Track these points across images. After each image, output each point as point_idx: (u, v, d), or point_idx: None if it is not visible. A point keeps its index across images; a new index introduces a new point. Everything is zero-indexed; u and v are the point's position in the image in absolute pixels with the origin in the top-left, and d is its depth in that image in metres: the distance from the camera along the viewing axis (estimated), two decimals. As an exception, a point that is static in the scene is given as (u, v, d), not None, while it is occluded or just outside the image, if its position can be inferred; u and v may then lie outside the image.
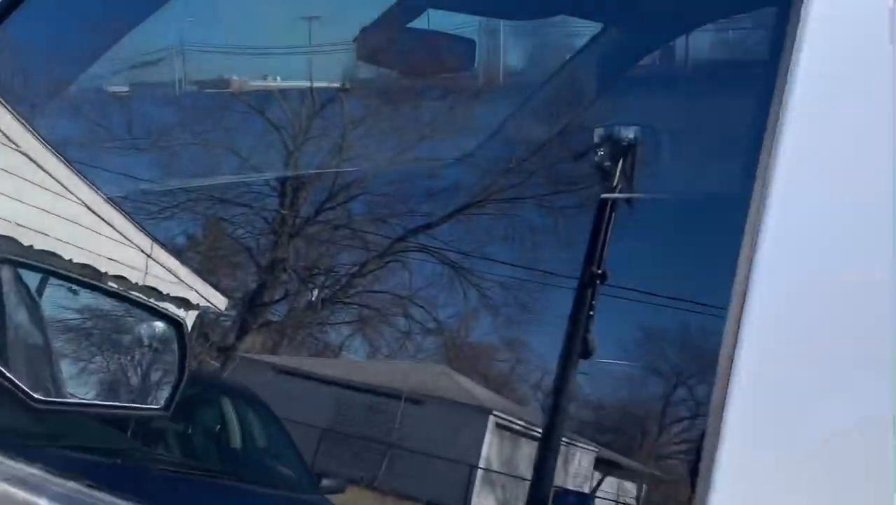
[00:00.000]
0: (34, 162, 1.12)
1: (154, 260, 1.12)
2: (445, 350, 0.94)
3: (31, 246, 0.97)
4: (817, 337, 0.48)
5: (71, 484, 0.69)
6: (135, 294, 0.83)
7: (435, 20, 0.97)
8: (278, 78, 1.09)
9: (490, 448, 1.23)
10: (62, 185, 1.27)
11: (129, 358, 0.88)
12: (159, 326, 0.88)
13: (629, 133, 0.84)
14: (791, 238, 0.49)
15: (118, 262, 1.16)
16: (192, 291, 1.24)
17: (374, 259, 1.06)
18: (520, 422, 0.82)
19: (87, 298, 0.86)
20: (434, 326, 0.96)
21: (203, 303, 1.28)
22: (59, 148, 1.20)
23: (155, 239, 1.15)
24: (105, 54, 1.00)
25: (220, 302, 1.43)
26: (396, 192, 1.05)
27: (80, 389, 0.84)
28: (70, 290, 0.84)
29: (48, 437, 0.94)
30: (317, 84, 1.12)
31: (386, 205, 1.06)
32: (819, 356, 0.48)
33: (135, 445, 1.00)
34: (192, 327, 0.91)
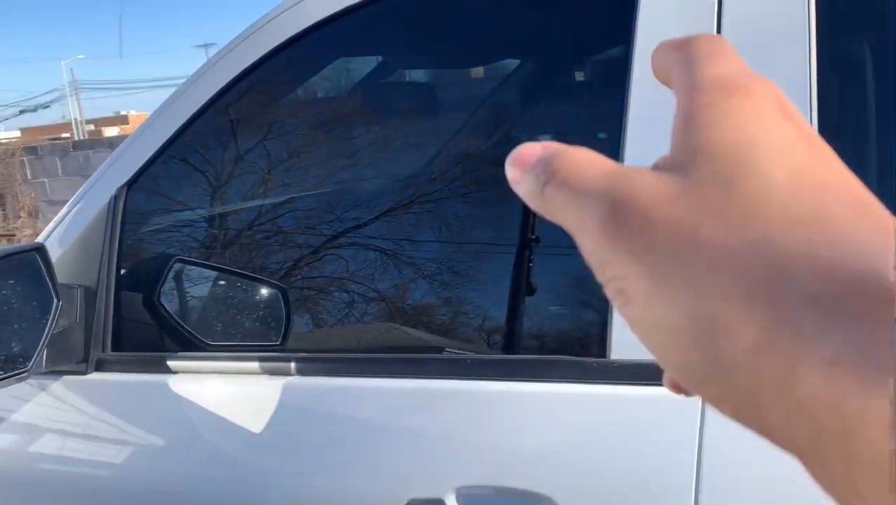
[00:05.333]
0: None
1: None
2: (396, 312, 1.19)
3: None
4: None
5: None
6: (257, 274, 1.35)
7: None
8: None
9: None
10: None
11: (256, 313, 1.39)
12: (271, 291, 1.41)
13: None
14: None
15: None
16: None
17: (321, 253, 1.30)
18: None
19: (226, 278, 1.39)
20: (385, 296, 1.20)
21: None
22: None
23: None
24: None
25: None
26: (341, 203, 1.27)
27: (229, 335, 1.37)
28: (219, 276, 1.37)
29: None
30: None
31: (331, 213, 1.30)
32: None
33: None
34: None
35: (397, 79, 1.42)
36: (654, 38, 0.85)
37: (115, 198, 1.23)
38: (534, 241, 1.05)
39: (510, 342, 0.99)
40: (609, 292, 0.22)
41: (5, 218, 9.90)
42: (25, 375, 1.07)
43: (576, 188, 0.22)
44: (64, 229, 1.27)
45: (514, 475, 0.89)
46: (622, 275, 0.21)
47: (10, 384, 1.06)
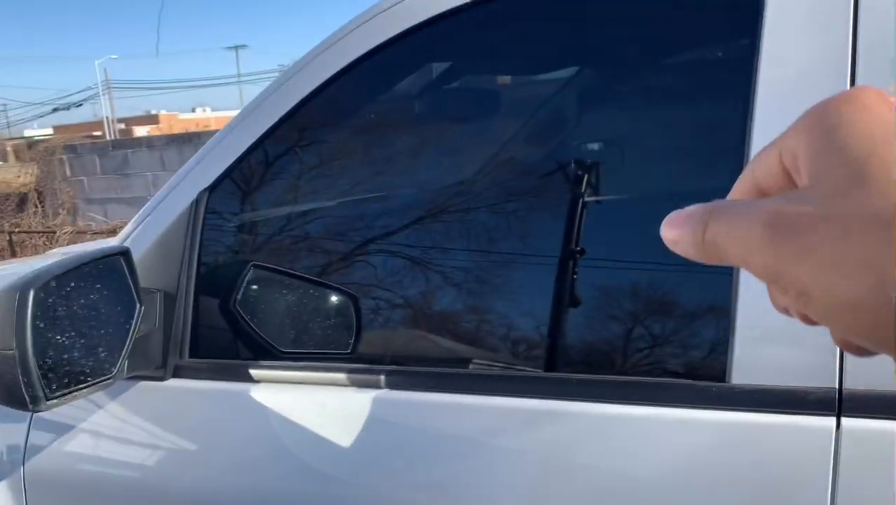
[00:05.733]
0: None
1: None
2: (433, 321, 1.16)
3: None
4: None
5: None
6: (328, 281, 1.33)
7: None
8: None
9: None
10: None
11: (327, 321, 1.37)
12: (343, 299, 1.38)
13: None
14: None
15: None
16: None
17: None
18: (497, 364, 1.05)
19: (299, 284, 1.37)
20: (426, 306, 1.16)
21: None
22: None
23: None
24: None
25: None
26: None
27: (301, 343, 1.35)
28: (292, 282, 1.35)
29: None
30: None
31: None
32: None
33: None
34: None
35: (485, 84, 1.40)
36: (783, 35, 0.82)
37: (197, 201, 1.22)
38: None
39: (619, 363, 0.95)
40: (791, 299, 0.26)
41: (44, 215, 10.05)
42: (110, 381, 1.06)
43: (732, 219, 0.26)
44: (142, 232, 1.26)
45: (618, 502, 0.85)
46: (796, 278, 0.25)
47: (96, 391, 1.04)
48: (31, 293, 0.91)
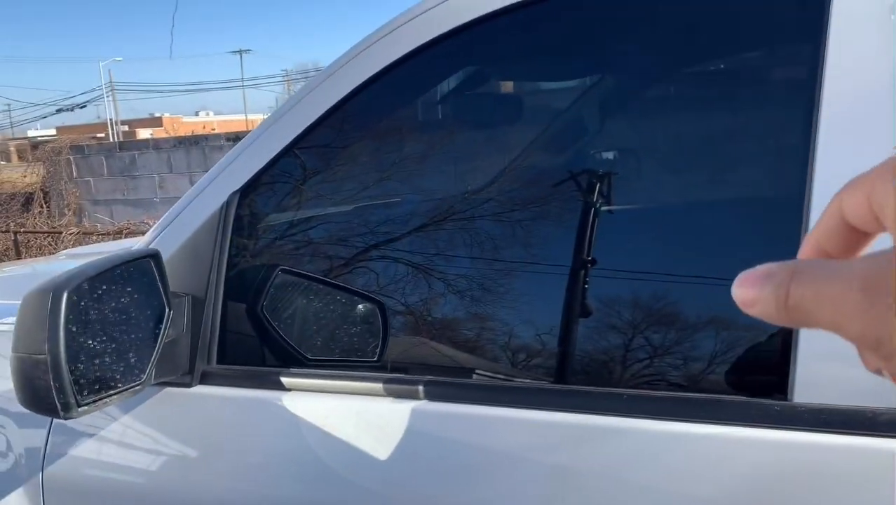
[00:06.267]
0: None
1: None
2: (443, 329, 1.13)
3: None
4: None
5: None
6: (355, 287, 1.30)
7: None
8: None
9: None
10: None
11: (354, 328, 1.34)
12: (369, 306, 1.35)
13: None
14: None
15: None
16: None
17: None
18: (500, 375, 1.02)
19: (326, 290, 1.34)
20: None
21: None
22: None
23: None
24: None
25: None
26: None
27: (328, 351, 1.32)
28: (319, 288, 1.32)
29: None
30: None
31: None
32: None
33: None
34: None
35: (523, 90, 1.37)
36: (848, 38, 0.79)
37: (227, 204, 1.19)
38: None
39: (675, 379, 0.92)
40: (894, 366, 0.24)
41: (50, 216, 10.02)
42: (140, 387, 1.03)
43: (821, 282, 0.25)
44: (170, 234, 1.23)
45: (671, 522, 0.82)
46: None
47: (126, 397, 1.01)
48: (65, 296, 0.88)
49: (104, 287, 0.97)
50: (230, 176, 1.21)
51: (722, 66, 1.09)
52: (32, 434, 1.30)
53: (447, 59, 1.17)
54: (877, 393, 0.74)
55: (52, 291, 0.89)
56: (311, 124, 1.16)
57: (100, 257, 1.01)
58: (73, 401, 0.89)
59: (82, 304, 0.92)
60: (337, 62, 1.17)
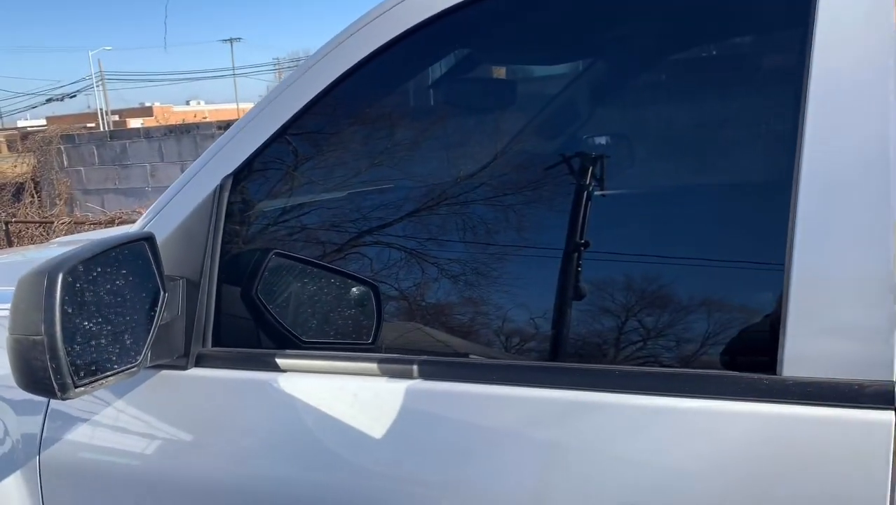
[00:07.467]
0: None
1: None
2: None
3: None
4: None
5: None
6: (348, 271, 1.30)
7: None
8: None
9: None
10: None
11: (348, 311, 1.34)
12: (363, 289, 1.36)
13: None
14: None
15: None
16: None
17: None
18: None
19: (321, 273, 1.34)
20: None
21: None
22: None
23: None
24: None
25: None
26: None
27: (322, 333, 1.32)
28: (313, 271, 1.32)
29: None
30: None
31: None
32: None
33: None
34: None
35: (523, 74, 1.37)
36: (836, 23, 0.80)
37: (221, 187, 1.19)
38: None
39: (665, 354, 0.93)
40: None
41: (41, 205, 9.98)
42: (136, 369, 1.03)
43: None
44: (163, 217, 1.23)
45: (662, 497, 0.83)
46: None
47: (122, 379, 1.02)
48: (60, 277, 0.89)
49: (99, 269, 0.97)
50: (223, 159, 1.21)
51: (714, 53, 1.09)
52: (29, 419, 1.30)
53: (438, 42, 1.17)
54: (862, 367, 0.75)
55: (48, 272, 0.90)
56: (304, 107, 1.16)
57: (94, 240, 1.02)
58: (69, 381, 0.89)
59: (77, 285, 0.92)
60: (328, 44, 1.17)
